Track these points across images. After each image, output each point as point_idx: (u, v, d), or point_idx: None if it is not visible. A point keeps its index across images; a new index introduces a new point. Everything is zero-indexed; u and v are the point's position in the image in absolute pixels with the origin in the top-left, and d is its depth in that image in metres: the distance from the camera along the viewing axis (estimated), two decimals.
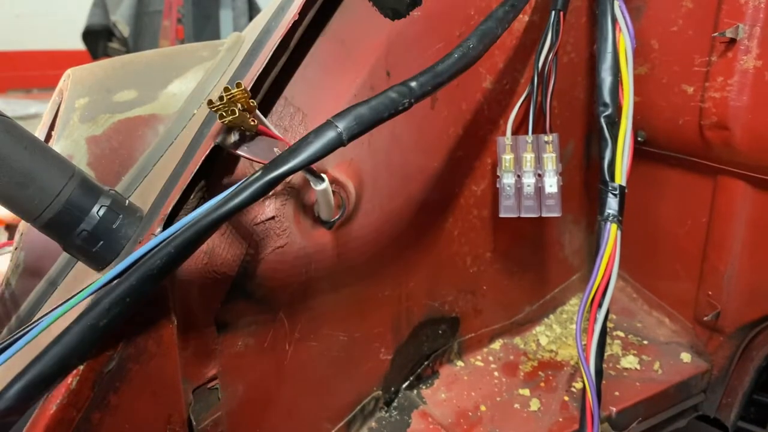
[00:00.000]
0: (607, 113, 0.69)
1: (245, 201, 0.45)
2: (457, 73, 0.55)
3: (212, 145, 0.49)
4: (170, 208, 0.48)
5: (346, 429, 0.73)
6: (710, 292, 0.83)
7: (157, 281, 0.44)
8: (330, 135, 0.47)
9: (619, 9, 0.70)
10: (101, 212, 0.48)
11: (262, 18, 0.67)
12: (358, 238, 0.65)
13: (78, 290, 0.45)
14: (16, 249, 0.64)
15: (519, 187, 0.71)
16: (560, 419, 0.76)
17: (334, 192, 0.61)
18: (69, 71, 0.73)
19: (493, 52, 0.73)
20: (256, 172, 0.46)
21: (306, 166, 0.47)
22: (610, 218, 0.66)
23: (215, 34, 3.64)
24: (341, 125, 0.47)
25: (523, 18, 0.74)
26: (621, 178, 0.67)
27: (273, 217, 0.58)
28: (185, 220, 0.45)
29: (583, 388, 0.67)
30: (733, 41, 0.68)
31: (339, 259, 0.64)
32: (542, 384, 0.82)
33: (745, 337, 0.83)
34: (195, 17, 3.66)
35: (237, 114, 0.46)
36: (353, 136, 0.48)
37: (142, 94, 0.68)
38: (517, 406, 0.78)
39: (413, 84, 0.52)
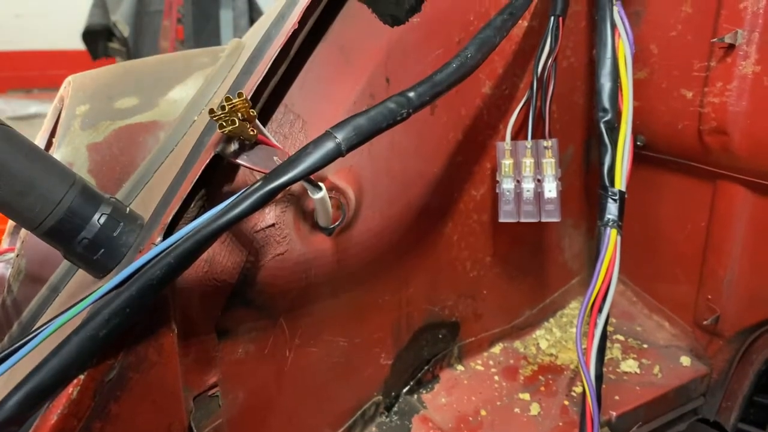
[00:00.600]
0: (606, 118, 0.69)
1: (245, 211, 0.45)
2: (455, 83, 0.55)
3: (212, 154, 0.49)
4: (171, 217, 0.48)
5: None
6: (710, 296, 0.83)
7: (158, 291, 0.44)
8: (329, 146, 0.47)
9: (618, 14, 0.70)
10: (102, 220, 0.48)
11: (262, 24, 0.67)
12: (358, 244, 0.66)
13: (79, 298, 0.45)
14: (17, 256, 0.64)
15: (518, 192, 0.71)
16: (560, 423, 0.76)
17: (333, 198, 0.61)
18: (70, 78, 0.73)
19: (493, 58, 0.73)
20: (257, 182, 0.46)
21: (305, 177, 0.47)
22: (610, 223, 0.66)
23: (215, 35, 3.64)
24: (340, 136, 0.48)
25: (522, 23, 0.74)
26: (621, 183, 0.67)
27: (273, 225, 0.58)
28: (186, 230, 0.45)
29: (583, 393, 0.67)
30: (732, 46, 0.68)
31: (339, 265, 0.64)
32: (542, 388, 0.82)
33: (745, 341, 0.84)
34: (195, 17, 3.66)
35: (237, 124, 0.46)
36: (352, 147, 0.48)
37: (142, 101, 0.68)
38: (517, 410, 0.78)
39: (411, 94, 0.52)
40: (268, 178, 0.46)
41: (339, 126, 0.49)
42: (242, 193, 0.46)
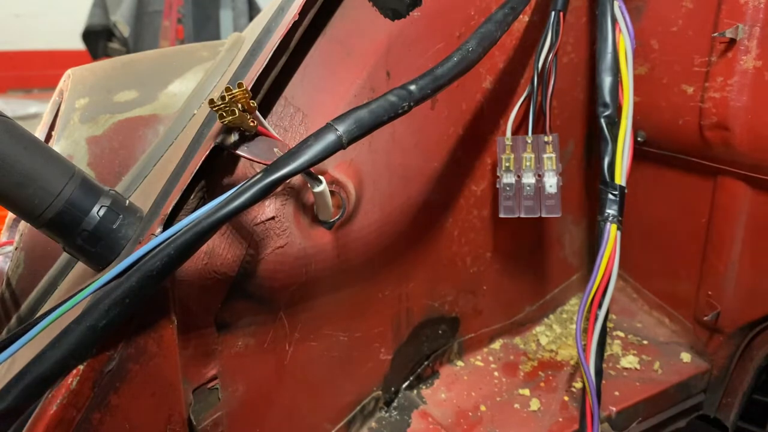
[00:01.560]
0: (606, 113, 0.69)
1: (246, 203, 0.45)
2: (456, 77, 0.55)
3: (212, 146, 0.49)
4: (170, 209, 0.48)
5: (346, 429, 0.73)
6: (710, 292, 0.83)
7: (158, 282, 0.44)
8: (330, 138, 0.47)
9: (618, 9, 0.70)
10: (101, 212, 0.48)
11: (262, 18, 0.67)
12: (359, 239, 0.65)
13: (78, 290, 0.45)
14: (16, 249, 0.64)
15: (519, 188, 0.71)
16: (560, 419, 0.76)
17: (333, 192, 0.61)
18: (69, 71, 0.73)
19: (494, 53, 0.73)
20: (257, 174, 0.46)
21: (306, 169, 0.47)
22: (610, 218, 0.66)
23: (215, 34, 3.64)
24: (341, 128, 0.48)
25: (523, 18, 0.74)
26: (621, 178, 0.67)
27: (273, 218, 0.58)
28: (185, 222, 0.45)
29: (583, 388, 0.67)
30: (732, 41, 0.68)
31: (339, 259, 0.64)
32: (542, 384, 0.82)
33: (745, 337, 0.83)
34: (195, 17, 3.66)
35: (237, 114, 0.46)
36: (353, 140, 0.48)
37: (142, 94, 0.68)
38: (517, 406, 0.78)
39: (412, 87, 0.52)
40: (268, 169, 0.46)
41: (340, 118, 0.49)
42: (243, 184, 0.46)
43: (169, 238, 0.45)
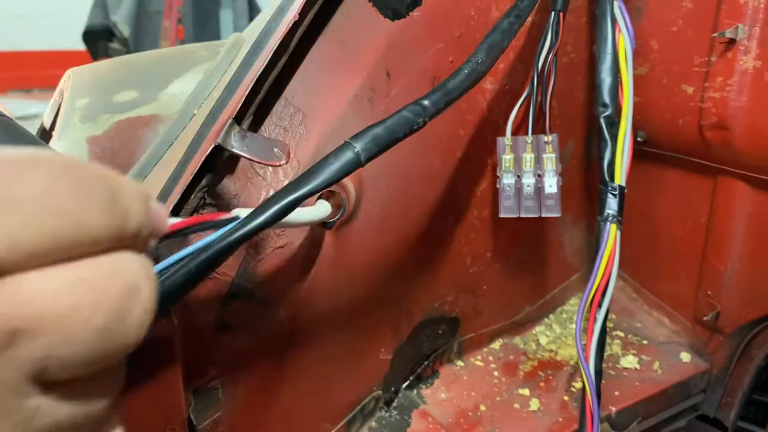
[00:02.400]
0: (606, 113, 0.69)
1: (265, 222, 0.42)
2: (467, 89, 0.56)
3: (212, 146, 0.49)
4: (170, 208, 0.48)
5: (346, 429, 0.73)
6: (710, 292, 0.83)
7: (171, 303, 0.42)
8: (348, 156, 0.48)
9: (618, 9, 0.70)
10: None
11: (262, 18, 0.67)
12: (358, 239, 0.66)
13: None
14: None
15: (519, 188, 0.71)
16: (560, 419, 0.76)
17: (333, 192, 0.61)
18: (69, 71, 0.73)
19: None
20: (276, 194, 0.44)
21: (326, 188, 0.47)
22: (610, 218, 0.66)
23: (215, 34, 3.64)
24: (359, 146, 0.48)
25: None
26: (621, 178, 0.67)
27: None
28: (199, 245, 0.41)
29: (583, 388, 0.67)
30: (732, 41, 0.68)
31: (339, 260, 0.64)
32: (542, 384, 0.82)
33: (745, 337, 0.84)
34: (195, 17, 3.66)
35: None
36: (371, 157, 0.49)
37: (142, 94, 0.68)
38: (517, 405, 0.78)
39: (426, 102, 0.53)
40: (288, 189, 0.45)
41: (357, 136, 0.49)
42: (262, 205, 0.43)
43: (182, 258, 0.42)
